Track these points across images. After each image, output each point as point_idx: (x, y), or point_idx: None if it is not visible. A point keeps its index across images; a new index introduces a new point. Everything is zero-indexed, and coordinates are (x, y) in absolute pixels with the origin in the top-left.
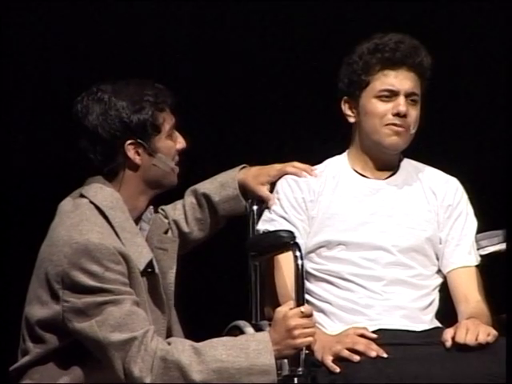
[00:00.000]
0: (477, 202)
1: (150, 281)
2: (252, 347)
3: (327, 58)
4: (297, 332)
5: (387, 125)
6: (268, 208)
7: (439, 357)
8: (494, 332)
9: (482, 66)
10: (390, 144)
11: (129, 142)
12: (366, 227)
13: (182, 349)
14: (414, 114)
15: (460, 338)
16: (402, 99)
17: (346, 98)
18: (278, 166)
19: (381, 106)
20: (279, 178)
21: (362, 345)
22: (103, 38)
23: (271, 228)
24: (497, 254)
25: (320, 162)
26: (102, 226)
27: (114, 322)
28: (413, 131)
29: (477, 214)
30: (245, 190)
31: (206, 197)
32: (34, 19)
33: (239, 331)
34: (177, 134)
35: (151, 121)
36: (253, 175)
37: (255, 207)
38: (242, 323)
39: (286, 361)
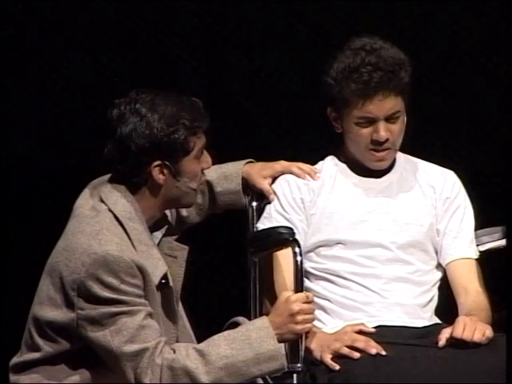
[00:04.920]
0: (475, 198)
1: (164, 293)
2: (254, 336)
3: (328, 55)
4: (299, 317)
5: (370, 149)
6: (268, 203)
7: (438, 355)
8: (488, 333)
9: (482, 60)
10: (374, 167)
11: (156, 163)
12: (364, 225)
13: (186, 354)
14: (396, 129)
15: (457, 333)
16: (381, 125)
17: (329, 108)
18: (284, 163)
19: (361, 133)
20: (282, 174)
21: (361, 342)
22: (102, 36)
23: (271, 226)
24: (496, 250)
25: (319, 157)
26: (120, 237)
27: (128, 333)
28: (398, 145)
29: (476, 210)
30: (247, 184)
31: (209, 185)
32: (33, 17)
33: None
34: (205, 154)
35: (182, 144)
36: (257, 169)
37: (255, 203)
38: (241, 319)
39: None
